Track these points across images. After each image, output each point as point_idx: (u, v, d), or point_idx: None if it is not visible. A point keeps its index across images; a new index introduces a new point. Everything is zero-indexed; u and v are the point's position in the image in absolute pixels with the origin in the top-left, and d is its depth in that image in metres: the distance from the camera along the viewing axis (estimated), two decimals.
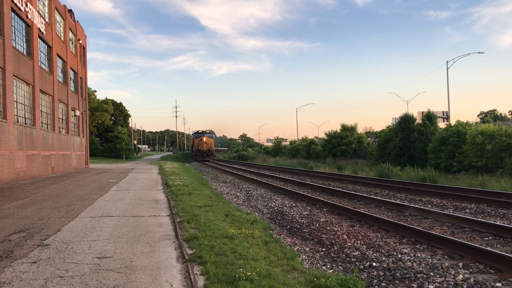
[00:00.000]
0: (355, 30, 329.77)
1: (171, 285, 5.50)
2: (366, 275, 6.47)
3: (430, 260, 6.81)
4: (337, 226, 9.81)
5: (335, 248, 8.06)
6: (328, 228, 9.58)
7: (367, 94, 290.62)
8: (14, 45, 22.82)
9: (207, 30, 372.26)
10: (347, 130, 49.22)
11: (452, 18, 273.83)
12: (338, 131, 50.03)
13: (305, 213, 11.85)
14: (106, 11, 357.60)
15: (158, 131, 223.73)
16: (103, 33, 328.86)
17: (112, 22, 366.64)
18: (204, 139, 65.27)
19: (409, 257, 7.02)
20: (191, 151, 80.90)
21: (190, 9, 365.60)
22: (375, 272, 6.51)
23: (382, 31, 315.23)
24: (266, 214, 12.62)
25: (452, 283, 5.68)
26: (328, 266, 7.13)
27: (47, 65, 29.83)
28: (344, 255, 7.55)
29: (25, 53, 24.93)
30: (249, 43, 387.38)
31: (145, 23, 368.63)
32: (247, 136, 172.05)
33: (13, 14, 22.82)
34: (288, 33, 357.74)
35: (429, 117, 35.99)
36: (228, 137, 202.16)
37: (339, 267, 7.08)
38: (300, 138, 71.60)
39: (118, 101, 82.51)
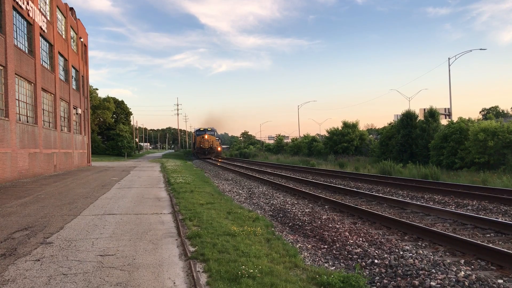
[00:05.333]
0: (354, 27, 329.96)
1: (174, 283, 5.53)
2: (368, 272, 6.48)
3: (432, 257, 6.82)
4: (339, 223, 9.82)
5: (337, 245, 8.08)
6: (330, 225, 9.60)
7: (368, 91, 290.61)
8: (15, 44, 22.84)
9: (206, 28, 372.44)
10: (349, 127, 49.15)
11: (451, 14, 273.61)
12: (340, 128, 49.96)
13: (307, 210, 11.87)
14: (105, 9, 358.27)
15: (160, 128, 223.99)
16: (102, 31, 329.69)
17: (111, 20, 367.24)
18: (206, 136, 65.25)
19: (411, 254, 7.03)
20: (192, 148, 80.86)
21: (188, 7, 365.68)
22: (377, 269, 6.53)
23: (382, 28, 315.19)
24: (268, 212, 12.64)
25: (453, 279, 5.69)
26: (330, 263, 7.15)
27: (48, 63, 29.86)
28: (346, 252, 7.57)
29: (26, 51, 24.96)
30: (248, 41, 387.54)
31: (144, 21, 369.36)
32: (248, 133, 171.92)
33: (14, 12, 22.83)
34: (287, 30, 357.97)
35: (431, 114, 35.91)
36: (230, 135, 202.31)
37: (341, 264, 7.10)
38: (301, 135, 71.55)
39: (120, 99, 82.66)
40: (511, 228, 8.85)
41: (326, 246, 8.20)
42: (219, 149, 71.01)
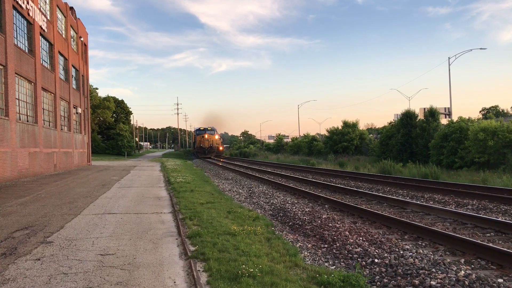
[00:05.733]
0: (354, 27, 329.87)
1: (174, 282, 5.53)
2: (368, 272, 6.49)
3: (432, 256, 6.82)
4: (339, 222, 9.83)
5: (337, 244, 8.08)
6: (330, 224, 9.60)
7: (368, 91, 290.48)
8: (15, 43, 22.83)
9: (206, 27, 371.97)
10: (349, 126, 49.14)
11: (451, 14, 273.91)
12: (340, 127, 49.95)
13: (307, 209, 11.87)
14: (105, 9, 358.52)
15: (160, 128, 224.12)
16: (102, 31, 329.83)
17: (111, 20, 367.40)
18: (206, 136, 65.10)
19: (411, 254, 7.03)
20: (192, 148, 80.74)
21: (188, 6, 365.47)
22: (377, 269, 6.53)
23: (382, 28, 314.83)
24: (268, 211, 12.64)
25: (454, 279, 5.70)
26: (330, 263, 7.15)
27: (48, 62, 29.85)
28: (346, 252, 7.57)
29: (26, 50, 24.95)
30: (248, 40, 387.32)
31: (144, 20, 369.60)
32: (248, 133, 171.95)
33: (14, 11, 22.82)
34: (287, 30, 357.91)
35: (432, 113, 35.91)
36: (230, 134, 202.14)
37: (341, 263, 7.10)
38: (302, 134, 71.48)
39: (120, 99, 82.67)
40: (511, 228, 8.85)
41: (326, 246, 8.21)
42: (220, 148, 69.72)
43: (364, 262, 6.90)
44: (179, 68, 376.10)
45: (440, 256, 7.20)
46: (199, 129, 68.64)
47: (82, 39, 40.73)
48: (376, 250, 7.40)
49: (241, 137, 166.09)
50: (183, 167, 32.93)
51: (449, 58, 42.55)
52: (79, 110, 38.95)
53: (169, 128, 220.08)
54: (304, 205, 13.09)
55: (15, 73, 22.60)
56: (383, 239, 8.12)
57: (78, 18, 39.87)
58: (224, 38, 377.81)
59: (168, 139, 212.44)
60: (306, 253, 7.62)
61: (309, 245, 8.29)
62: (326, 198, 13.93)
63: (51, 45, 30.30)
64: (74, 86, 37.71)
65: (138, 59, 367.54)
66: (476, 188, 15.98)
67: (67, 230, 8.82)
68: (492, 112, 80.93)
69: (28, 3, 24.33)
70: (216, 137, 69.47)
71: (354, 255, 7.31)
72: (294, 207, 12.42)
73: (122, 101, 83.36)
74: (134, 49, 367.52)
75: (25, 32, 25.00)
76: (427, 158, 31.78)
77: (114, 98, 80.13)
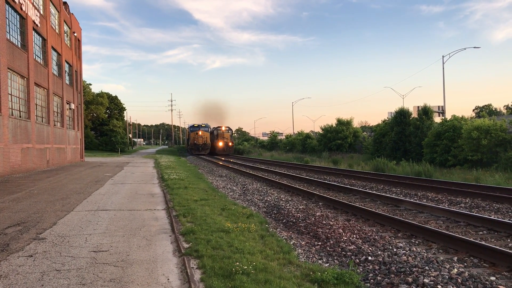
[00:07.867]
0: (348, 24, 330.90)
1: (168, 279, 5.51)
2: (361, 269, 6.51)
3: (425, 254, 6.85)
4: (332, 220, 9.84)
5: (331, 242, 8.10)
6: (324, 222, 9.62)
7: (362, 89, 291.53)
8: (8, 38, 22.59)
9: (200, 23, 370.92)
10: (343, 124, 49.28)
11: (444, 13, 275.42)
12: (334, 125, 50.09)
13: (301, 207, 11.89)
14: (98, 4, 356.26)
15: (154, 124, 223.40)
16: (95, 26, 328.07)
17: (104, 15, 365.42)
18: (200, 133, 64.71)
19: (404, 251, 7.06)
20: (186, 145, 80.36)
21: (182, 3, 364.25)
22: (371, 266, 6.56)
23: (376, 26, 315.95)
24: (262, 208, 12.64)
25: (446, 276, 5.73)
26: (324, 260, 7.16)
27: (41, 58, 29.59)
28: (339, 249, 7.59)
29: (19, 45, 24.70)
30: (242, 37, 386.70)
31: (137, 16, 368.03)
32: (242, 130, 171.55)
33: (7, 6, 22.57)
34: (281, 27, 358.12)
35: (425, 112, 36.10)
36: None
37: (335, 261, 7.11)
38: (296, 132, 71.52)
39: (113, 95, 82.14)
40: (503, 226, 8.92)
41: (320, 243, 8.22)
42: (230, 144, 65.10)
43: (357, 260, 6.92)
44: (172, 65, 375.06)
45: (433, 254, 7.24)
46: (193, 126, 68.16)
47: (75, 34, 40.42)
48: (370, 248, 7.43)
49: (235, 134, 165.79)
50: (177, 164, 32.83)
51: (443, 56, 42.75)
52: (72, 106, 38.67)
53: (162, 124, 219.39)
54: (298, 202, 13.11)
55: (8, 68, 22.37)
56: (376, 237, 8.15)
57: (72, 13, 39.55)
58: (217, 34, 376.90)
59: (161, 135, 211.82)
60: (300, 250, 7.62)
61: (303, 243, 8.30)
62: (320, 195, 13.95)
63: (44, 40, 30.02)
64: (67, 82, 37.43)
65: (132, 55, 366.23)
66: (469, 186, 16.09)
67: (60, 226, 8.76)
68: (485, 111, 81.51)
69: None
70: (223, 128, 65.09)
71: (348, 253, 7.33)
72: (288, 205, 12.43)
73: (116, 97, 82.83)
74: (128, 45, 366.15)
75: (18, 26, 24.74)
76: (420, 156, 31.95)
77: (107, 94, 79.59)
